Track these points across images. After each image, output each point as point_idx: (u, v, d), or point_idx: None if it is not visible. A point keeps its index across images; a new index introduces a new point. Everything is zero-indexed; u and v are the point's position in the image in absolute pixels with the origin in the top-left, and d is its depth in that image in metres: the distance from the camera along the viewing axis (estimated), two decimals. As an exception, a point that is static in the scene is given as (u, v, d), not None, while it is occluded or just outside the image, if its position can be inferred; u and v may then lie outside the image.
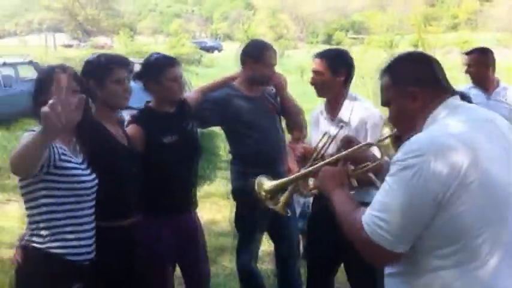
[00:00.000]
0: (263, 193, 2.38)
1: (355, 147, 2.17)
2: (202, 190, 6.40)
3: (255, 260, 3.84)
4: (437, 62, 1.86)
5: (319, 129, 3.15)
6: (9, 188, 7.31)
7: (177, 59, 3.20)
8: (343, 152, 2.14)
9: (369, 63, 13.76)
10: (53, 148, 2.20)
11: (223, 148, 8.32)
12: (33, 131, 2.16)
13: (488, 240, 1.62)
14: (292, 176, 2.38)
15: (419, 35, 12.65)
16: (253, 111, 3.47)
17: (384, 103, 1.91)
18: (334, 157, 2.14)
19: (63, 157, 2.28)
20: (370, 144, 2.24)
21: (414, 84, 1.79)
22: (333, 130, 2.80)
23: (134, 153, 2.84)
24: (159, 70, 3.04)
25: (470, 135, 1.65)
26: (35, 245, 2.30)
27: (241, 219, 3.72)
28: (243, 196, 3.59)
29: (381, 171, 2.08)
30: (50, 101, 1.79)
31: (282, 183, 2.37)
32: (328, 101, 3.17)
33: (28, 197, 2.31)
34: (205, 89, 3.62)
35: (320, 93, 3.13)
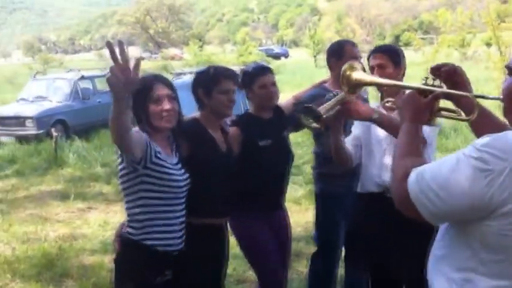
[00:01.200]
0: (348, 77, 2.31)
1: (459, 93, 1.94)
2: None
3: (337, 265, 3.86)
4: None
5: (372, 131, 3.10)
6: (90, 196, 7.66)
7: (268, 67, 3.37)
8: (444, 89, 1.91)
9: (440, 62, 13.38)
10: (149, 145, 2.42)
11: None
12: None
13: None
14: (383, 80, 2.27)
15: (493, 33, 12.10)
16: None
17: None
18: (430, 87, 1.91)
19: (158, 155, 2.47)
20: (476, 96, 1.94)
21: None
22: None
23: (231, 158, 3.03)
24: (251, 79, 3.25)
25: None
26: (130, 236, 2.52)
27: (322, 219, 3.75)
28: (321, 198, 3.68)
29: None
30: (110, 67, 2.01)
31: (373, 81, 2.29)
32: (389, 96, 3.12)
33: (127, 191, 2.51)
34: (298, 95, 3.80)
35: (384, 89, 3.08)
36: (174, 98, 2.60)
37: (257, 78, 3.23)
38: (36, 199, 7.71)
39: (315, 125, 2.38)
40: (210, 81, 2.93)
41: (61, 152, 10.16)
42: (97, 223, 6.31)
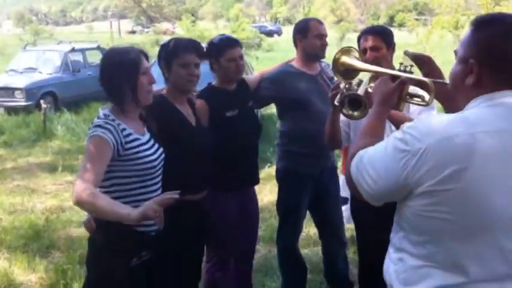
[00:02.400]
0: (341, 61, 2.33)
1: (425, 79, 1.99)
2: (264, 172, 6.45)
3: (297, 241, 3.84)
4: None
5: None
6: (77, 168, 7.53)
7: (237, 40, 3.31)
8: (410, 75, 1.98)
9: (434, 45, 13.38)
10: (117, 137, 2.33)
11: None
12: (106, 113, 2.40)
13: (454, 252, 1.51)
14: (372, 67, 2.30)
15: (487, 15, 12.06)
16: (306, 88, 3.49)
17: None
18: (396, 72, 2.00)
19: (129, 138, 2.41)
20: (442, 83, 1.97)
21: (476, 57, 1.56)
22: None
23: (202, 132, 2.98)
24: (219, 51, 3.19)
25: (482, 139, 1.44)
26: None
27: (284, 199, 3.74)
28: (286, 176, 3.66)
29: None
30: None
31: (362, 67, 2.29)
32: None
33: None
34: (265, 71, 3.76)
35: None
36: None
37: (226, 51, 3.18)
38: (24, 171, 7.68)
39: (356, 113, 2.34)
40: (169, 54, 2.85)
41: (50, 124, 10.10)
42: (85, 196, 6.30)
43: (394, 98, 1.93)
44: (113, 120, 2.37)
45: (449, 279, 1.50)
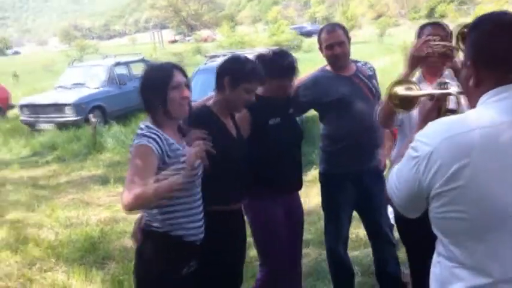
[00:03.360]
0: (394, 94, 2.37)
1: (452, 91, 2.00)
2: (310, 175, 6.45)
3: (343, 242, 3.83)
4: None
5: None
6: (129, 180, 7.78)
7: (295, 69, 3.27)
8: (443, 91, 2.01)
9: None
10: (162, 144, 2.38)
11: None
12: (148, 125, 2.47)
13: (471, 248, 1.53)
14: (419, 93, 2.36)
15: (533, 1, 11.71)
16: (341, 90, 3.49)
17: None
18: (430, 92, 2.06)
19: (172, 147, 2.44)
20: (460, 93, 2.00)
21: (472, 59, 1.60)
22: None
23: (241, 143, 3.02)
24: (280, 73, 3.19)
25: (481, 136, 1.48)
26: (154, 228, 2.49)
27: (326, 201, 3.77)
28: (326, 178, 3.70)
29: None
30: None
31: (411, 95, 2.35)
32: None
33: None
34: (302, 78, 3.71)
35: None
36: (188, 86, 2.56)
37: (286, 77, 3.22)
38: (77, 184, 7.93)
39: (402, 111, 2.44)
40: (242, 74, 2.86)
41: (100, 137, 10.38)
42: (136, 206, 6.44)
43: (432, 115, 1.96)
44: (157, 130, 2.42)
45: (477, 280, 1.51)
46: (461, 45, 2.42)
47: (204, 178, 2.66)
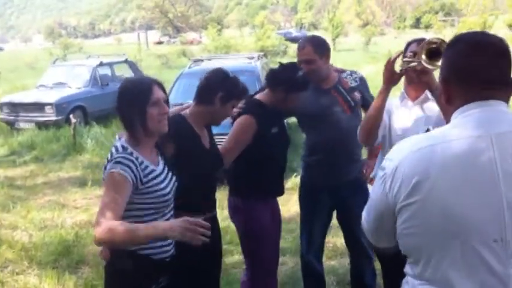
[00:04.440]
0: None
1: None
2: (291, 182, 6.44)
3: (316, 251, 3.84)
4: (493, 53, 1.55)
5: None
6: (107, 182, 7.68)
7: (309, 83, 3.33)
8: None
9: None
10: (137, 171, 2.33)
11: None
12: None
13: (432, 264, 1.53)
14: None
15: (515, 15, 11.87)
16: (317, 103, 3.51)
17: None
18: None
19: (146, 171, 2.38)
20: None
21: (444, 76, 1.63)
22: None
23: (214, 155, 3.02)
24: (298, 89, 3.23)
25: (445, 149, 1.49)
26: (126, 248, 2.38)
27: (301, 209, 3.83)
28: (302, 187, 3.77)
29: None
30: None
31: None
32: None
33: None
34: None
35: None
36: (167, 101, 2.50)
37: (300, 92, 3.24)
38: (55, 185, 7.83)
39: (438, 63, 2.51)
40: (236, 92, 2.93)
41: (80, 138, 10.27)
42: (113, 210, 6.36)
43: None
44: (131, 153, 2.36)
45: None
46: (426, 62, 2.57)
47: (177, 187, 2.62)
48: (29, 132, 11.26)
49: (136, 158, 2.35)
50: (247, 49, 29.76)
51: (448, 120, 1.63)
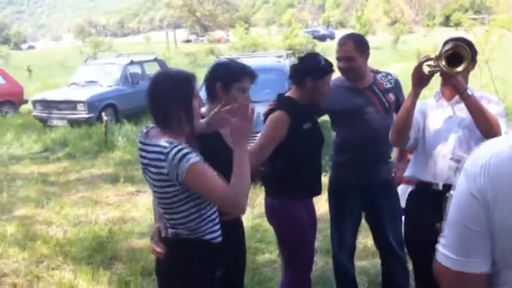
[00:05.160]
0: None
1: None
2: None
3: (348, 251, 3.82)
4: None
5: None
6: (138, 179, 7.77)
7: (333, 67, 3.30)
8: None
9: (493, 46, 13.00)
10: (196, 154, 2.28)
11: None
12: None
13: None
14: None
15: (549, 13, 11.64)
16: (352, 102, 3.49)
17: None
18: None
19: None
20: None
21: None
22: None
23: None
24: (322, 74, 3.19)
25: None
26: (184, 236, 2.40)
27: (332, 209, 3.78)
28: (333, 187, 3.72)
29: None
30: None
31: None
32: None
33: (177, 204, 2.32)
34: None
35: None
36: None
37: (327, 75, 3.21)
38: (87, 182, 7.95)
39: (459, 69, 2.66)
40: (231, 76, 2.88)
41: (111, 135, 10.40)
42: (145, 206, 6.44)
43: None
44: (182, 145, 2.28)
45: None
46: (445, 67, 2.63)
47: None
48: (61, 130, 11.46)
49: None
50: (274, 47, 29.75)
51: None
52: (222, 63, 3.02)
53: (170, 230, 2.46)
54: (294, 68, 3.27)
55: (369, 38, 40.68)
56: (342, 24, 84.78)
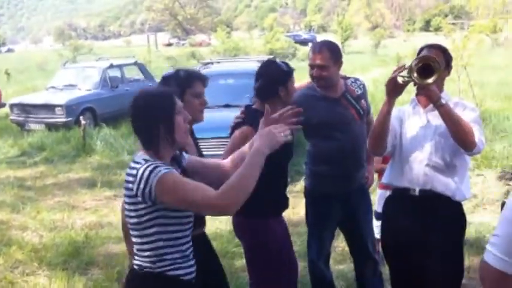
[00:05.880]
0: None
1: None
2: (299, 185, 6.42)
3: (325, 257, 3.83)
4: None
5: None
6: (116, 184, 7.73)
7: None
8: None
9: (472, 51, 13.19)
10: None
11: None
12: None
13: None
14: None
15: (525, 18, 11.80)
16: (326, 113, 3.43)
17: None
18: None
19: None
20: None
21: None
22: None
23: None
24: (289, 77, 3.13)
25: None
26: (147, 269, 2.24)
27: (309, 215, 3.75)
28: (310, 194, 3.69)
29: None
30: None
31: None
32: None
33: (141, 225, 2.20)
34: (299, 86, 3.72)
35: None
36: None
37: (292, 75, 3.15)
38: (64, 186, 7.86)
39: (430, 80, 2.71)
40: (183, 83, 2.80)
41: (89, 139, 10.30)
42: (123, 211, 6.37)
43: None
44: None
45: None
46: (417, 79, 2.70)
47: None
48: (39, 134, 11.31)
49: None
50: (256, 52, 29.81)
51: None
52: (170, 75, 2.92)
53: (135, 261, 2.30)
54: (261, 87, 3.12)
55: (351, 43, 41.02)
56: (323, 29, 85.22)
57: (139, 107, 2.23)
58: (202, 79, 2.89)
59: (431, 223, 2.95)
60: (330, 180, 3.50)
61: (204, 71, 10.12)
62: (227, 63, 12.06)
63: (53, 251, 5.19)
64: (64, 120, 11.77)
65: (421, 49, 3.06)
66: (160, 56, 34.79)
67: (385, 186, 4.05)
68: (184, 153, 2.51)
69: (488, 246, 1.51)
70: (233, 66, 11.26)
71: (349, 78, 3.66)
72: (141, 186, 2.10)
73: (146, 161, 2.17)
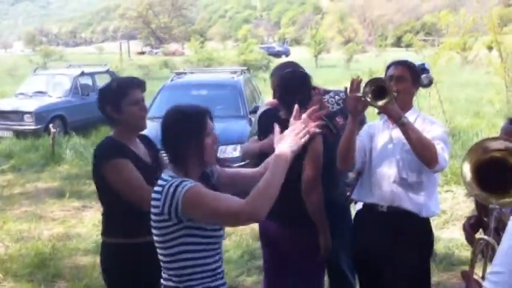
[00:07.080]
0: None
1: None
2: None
3: None
4: None
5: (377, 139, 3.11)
6: (85, 194, 7.63)
7: None
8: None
9: (442, 68, 13.48)
10: None
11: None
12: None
13: None
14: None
15: (494, 37, 12.06)
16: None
17: None
18: None
19: None
20: None
21: None
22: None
23: (158, 169, 2.76)
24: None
25: None
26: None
27: None
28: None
29: None
30: None
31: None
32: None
33: (168, 244, 2.17)
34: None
35: (401, 102, 3.01)
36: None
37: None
38: (32, 196, 7.71)
39: (380, 103, 2.76)
40: (116, 95, 2.75)
41: (58, 148, 10.15)
42: (91, 222, 6.30)
43: None
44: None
45: None
46: (371, 101, 2.75)
47: (106, 209, 2.64)
48: (6, 141, 11.12)
49: None
50: (229, 62, 29.79)
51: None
52: (103, 88, 2.89)
53: (162, 280, 2.27)
54: (305, 96, 3.09)
55: (323, 56, 41.27)
56: (297, 42, 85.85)
57: (169, 125, 2.22)
58: (139, 84, 2.85)
59: (399, 238, 2.99)
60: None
61: (177, 81, 10.12)
62: (200, 74, 12.06)
63: (19, 262, 5.08)
64: (33, 127, 11.60)
65: (389, 66, 3.12)
66: (132, 64, 34.51)
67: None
68: (215, 169, 2.48)
69: (487, 285, 1.41)
70: (207, 77, 11.26)
71: (329, 91, 3.59)
72: (168, 201, 2.09)
73: (172, 177, 2.15)
